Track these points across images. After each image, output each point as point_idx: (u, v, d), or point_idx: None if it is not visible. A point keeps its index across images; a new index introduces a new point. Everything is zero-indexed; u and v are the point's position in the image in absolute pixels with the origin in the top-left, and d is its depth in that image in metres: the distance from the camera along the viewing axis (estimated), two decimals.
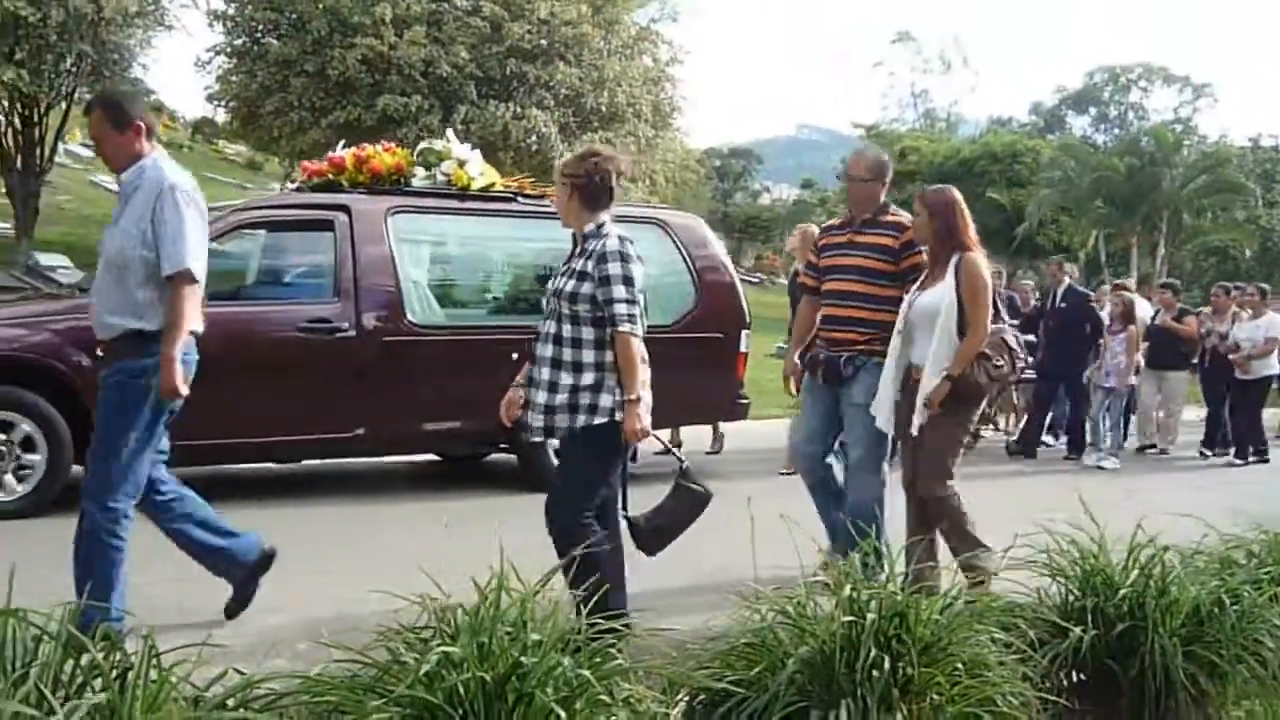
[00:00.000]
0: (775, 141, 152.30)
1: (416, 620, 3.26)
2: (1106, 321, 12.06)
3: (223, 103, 27.60)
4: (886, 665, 3.38)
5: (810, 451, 6.08)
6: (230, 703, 2.76)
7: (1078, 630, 4.05)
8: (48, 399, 7.02)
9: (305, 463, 8.68)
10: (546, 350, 4.51)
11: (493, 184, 8.84)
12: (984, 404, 5.79)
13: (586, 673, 2.99)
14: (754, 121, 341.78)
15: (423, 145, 9.03)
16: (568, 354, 4.45)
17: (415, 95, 24.24)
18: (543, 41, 25.48)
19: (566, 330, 4.47)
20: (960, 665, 3.56)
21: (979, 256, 5.37)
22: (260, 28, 26.23)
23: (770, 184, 79.12)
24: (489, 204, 8.77)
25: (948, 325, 5.25)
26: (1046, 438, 12.75)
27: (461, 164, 8.67)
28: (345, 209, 8.05)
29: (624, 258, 4.41)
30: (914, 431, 5.36)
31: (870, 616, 3.46)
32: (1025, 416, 13.03)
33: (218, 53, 26.94)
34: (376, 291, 7.96)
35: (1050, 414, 12.84)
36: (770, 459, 9.89)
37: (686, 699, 3.47)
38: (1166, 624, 4.08)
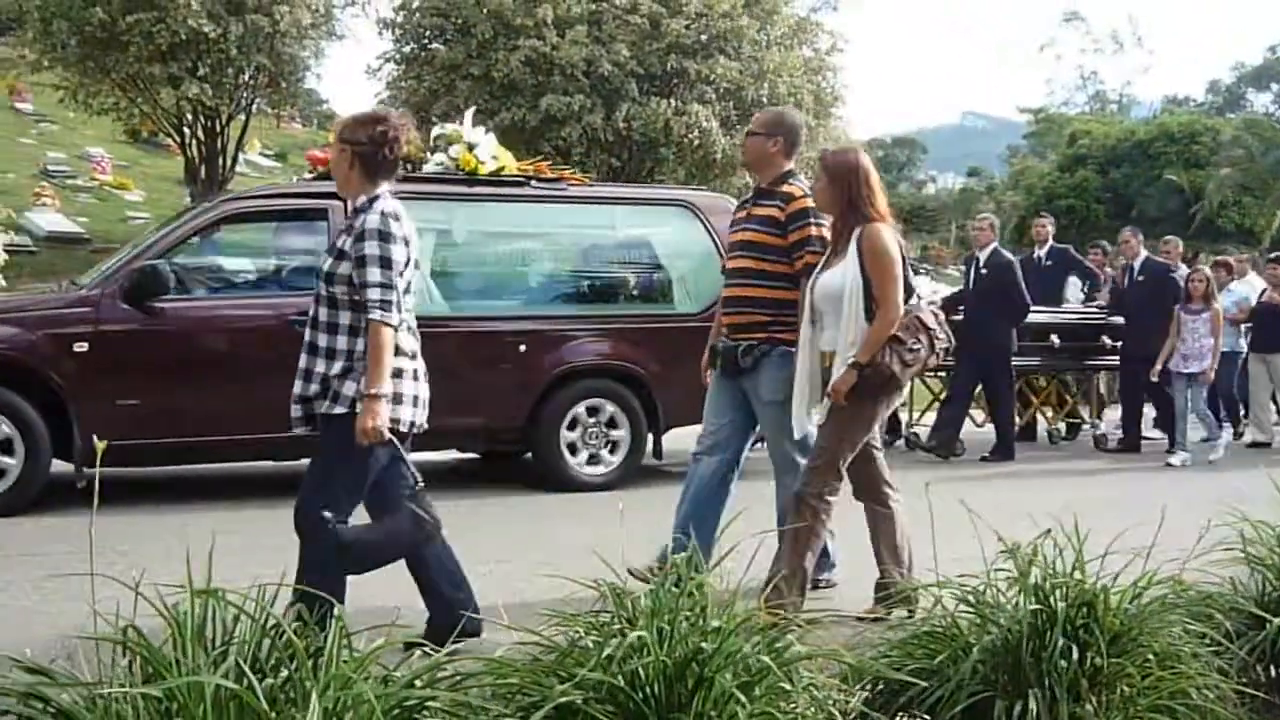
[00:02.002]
0: (940, 130, 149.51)
1: (592, 605, 3.29)
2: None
3: (393, 108, 28.32)
4: (1075, 655, 3.29)
5: (709, 460, 5.32)
6: (418, 683, 2.82)
7: (1277, 621, 3.87)
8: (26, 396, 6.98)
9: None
10: (307, 334, 4.15)
11: (503, 168, 8.57)
12: (897, 399, 5.12)
13: (767, 659, 2.98)
14: (918, 110, 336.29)
15: (436, 131, 8.81)
16: (323, 339, 4.09)
17: (578, 94, 24.47)
18: (702, 36, 25.47)
19: (324, 314, 4.10)
20: (1151, 656, 3.44)
21: (883, 226, 4.78)
22: (427, 34, 26.80)
23: (935, 173, 77.67)
24: (499, 189, 8.53)
25: (854, 307, 4.70)
26: (1153, 432, 11.70)
27: (471, 148, 8.43)
28: (340, 197, 7.86)
29: (383, 236, 4.01)
30: (814, 426, 4.85)
31: (1059, 605, 3.36)
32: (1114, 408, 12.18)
33: (387, 60, 27.64)
34: None
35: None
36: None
37: (867, 687, 3.43)
38: None
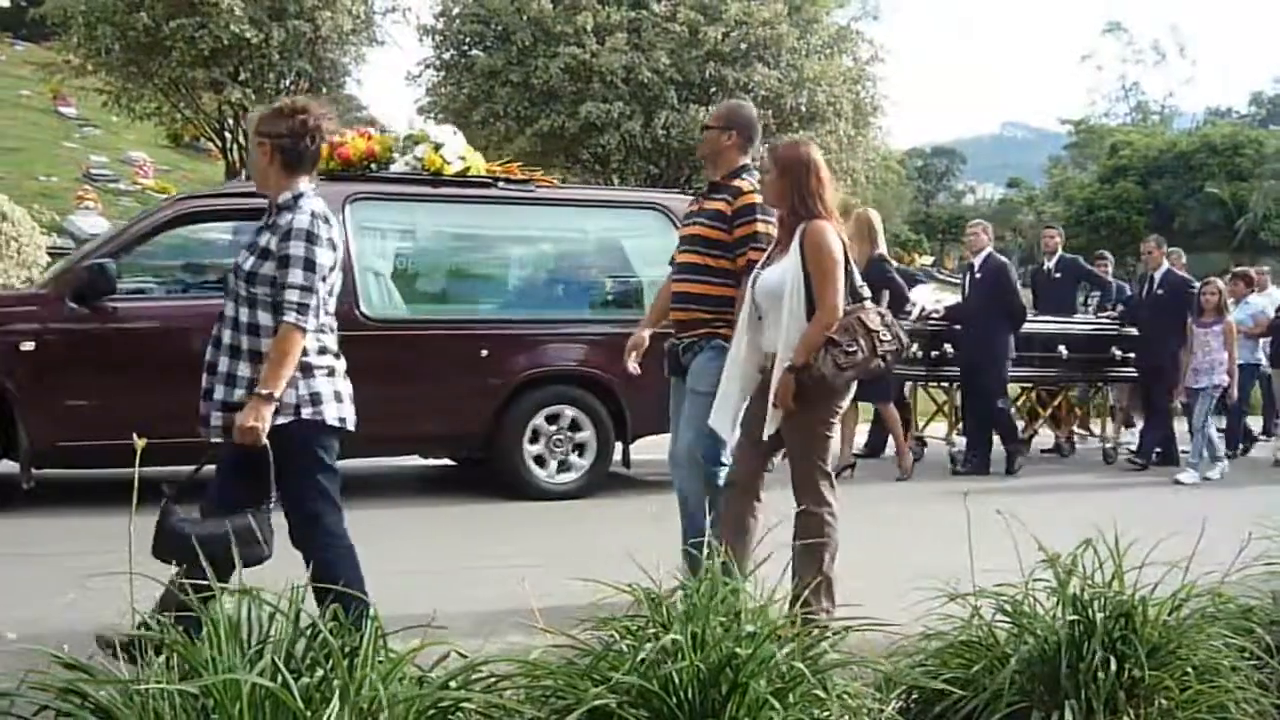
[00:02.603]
0: (979, 140, 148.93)
1: (627, 609, 3.29)
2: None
3: (432, 114, 28.49)
4: (1113, 667, 3.25)
5: (679, 473, 5.25)
6: (452, 684, 2.83)
7: None
8: None
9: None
10: (226, 336, 3.98)
11: (469, 169, 8.38)
12: (847, 396, 4.82)
13: (801, 665, 2.96)
14: (957, 120, 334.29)
15: (405, 131, 8.71)
16: (245, 341, 3.93)
17: (617, 102, 24.52)
18: (741, 44, 25.46)
19: (244, 315, 3.94)
20: (1190, 669, 3.40)
21: (828, 224, 4.58)
22: (467, 40, 26.93)
23: (974, 183, 77.31)
24: (465, 190, 8.35)
25: (794, 307, 4.54)
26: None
27: (437, 147, 8.26)
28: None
29: (310, 238, 3.87)
30: (766, 435, 4.63)
31: (1097, 616, 3.33)
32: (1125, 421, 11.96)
33: (427, 66, 27.78)
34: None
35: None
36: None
37: (902, 696, 3.41)
38: None
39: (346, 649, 2.74)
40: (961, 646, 3.54)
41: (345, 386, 4.10)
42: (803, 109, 25.93)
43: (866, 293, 4.71)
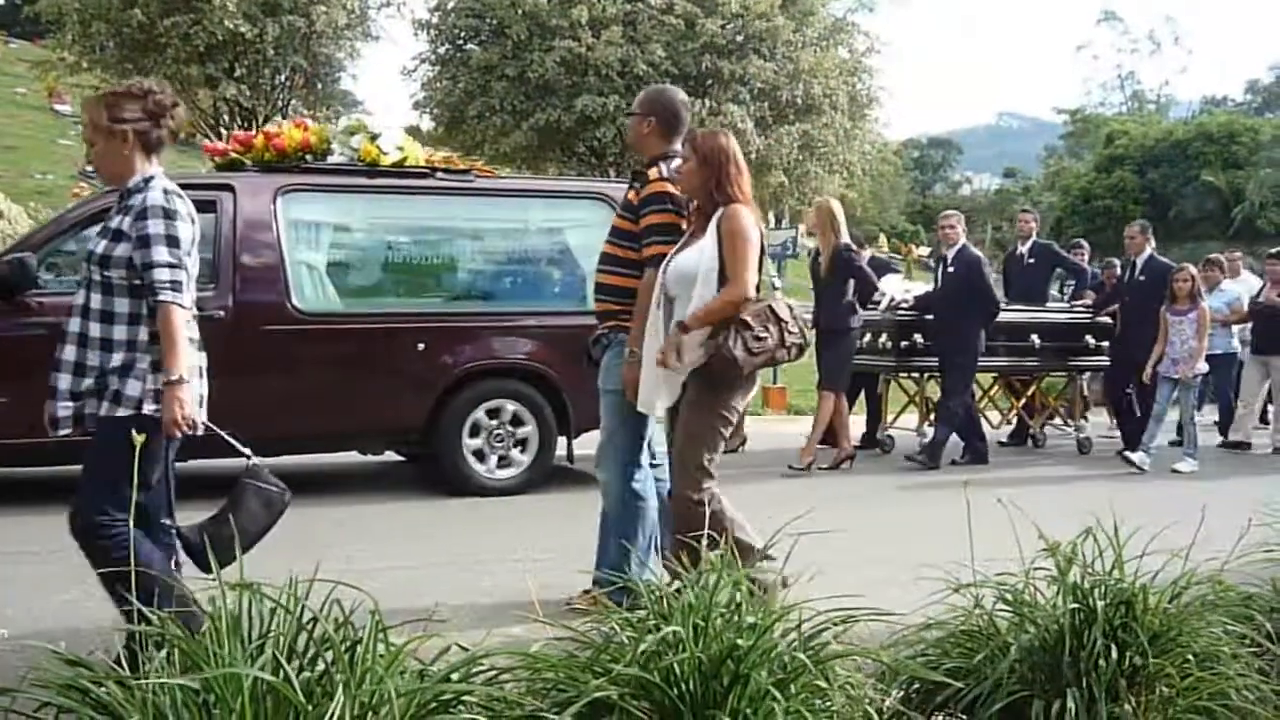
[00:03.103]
0: (975, 130, 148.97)
1: (629, 602, 3.29)
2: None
3: (428, 109, 28.47)
4: (1114, 655, 3.25)
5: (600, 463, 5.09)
6: (454, 676, 2.83)
7: None
8: None
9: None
10: (74, 325, 3.82)
11: (405, 159, 8.16)
12: (749, 390, 4.73)
13: (803, 656, 2.96)
14: (953, 111, 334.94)
15: (342, 122, 8.51)
16: (96, 329, 3.77)
17: (612, 95, 24.51)
18: (738, 37, 25.46)
19: (97, 301, 3.78)
20: (1191, 656, 3.39)
21: (745, 209, 4.58)
22: (462, 35, 26.92)
23: (971, 174, 77.36)
24: (401, 180, 8.12)
25: (705, 290, 4.49)
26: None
27: (374, 138, 8.06)
28: (230, 189, 7.57)
29: (168, 214, 3.73)
30: (659, 410, 4.61)
31: (1098, 604, 3.33)
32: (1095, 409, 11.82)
33: (422, 61, 27.76)
34: (257, 275, 7.48)
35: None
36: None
37: (904, 686, 3.41)
38: None
39: (347, 643, 2.74)
40: (963, 636, 3.54)
41: (198, 386, 3.91)
42: (799, 101, 25.95)
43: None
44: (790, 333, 4.53)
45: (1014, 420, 11.94)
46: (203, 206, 7.32)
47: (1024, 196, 52.25)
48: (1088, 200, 41.09)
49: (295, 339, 7.56)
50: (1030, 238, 11.91)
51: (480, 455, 8.08)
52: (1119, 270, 11.82)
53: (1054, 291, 12.28)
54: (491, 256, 8.78)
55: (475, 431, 8.06)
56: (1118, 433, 11.52)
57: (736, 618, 3.03)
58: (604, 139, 24.95)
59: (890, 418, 11.30)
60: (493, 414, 8.11)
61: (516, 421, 8.16)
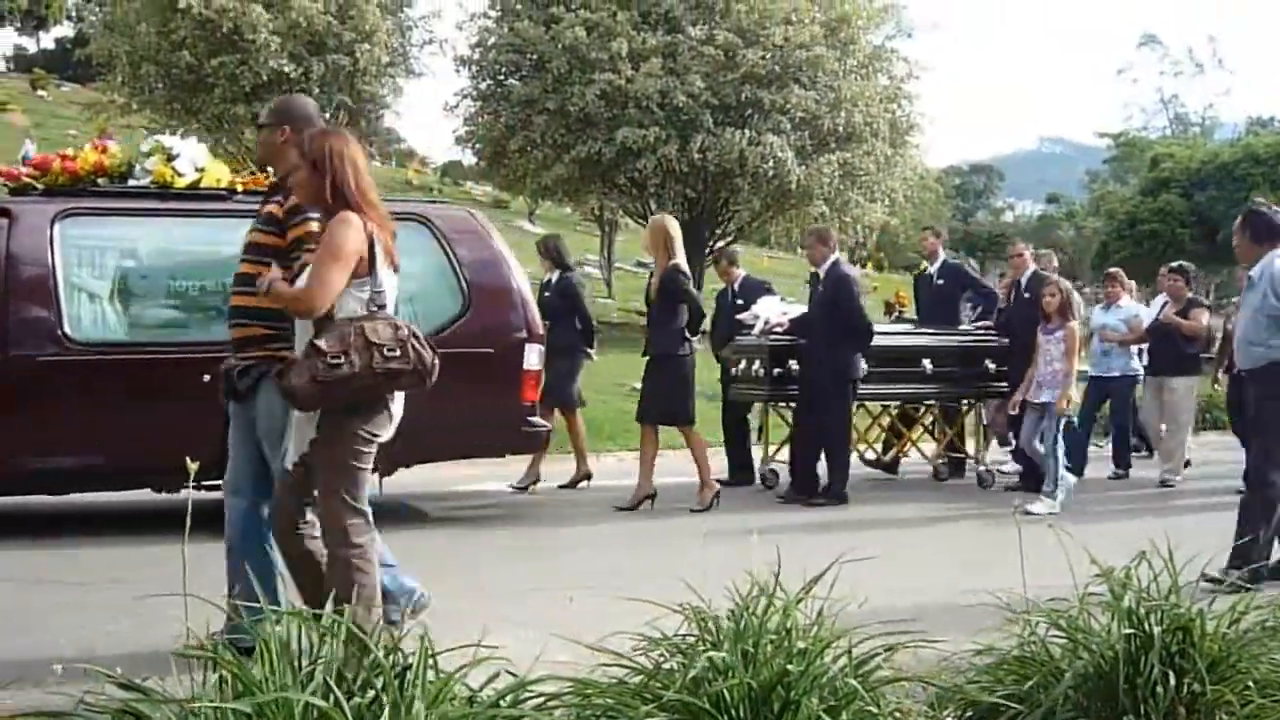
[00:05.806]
0: (1016, 156, 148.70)
1: (677, 629, 3.28)
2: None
3: (470, 144, 28.71)
4: (1171, 682, 3.21)
5: (234, 502, 4.63)
6: (503, 703, 2.82)
7: None
8: None
9: None
10: None
11: (199, 180, 7.63)
12: (376, 416, 4.13)
13: (854, 682, 2.94)
14: (993, 136, 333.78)
15: (145, 144, 8.05)
16: None
17: (653, 127, 24.64)
18: (777, 67, 25.53)
19: None
20: (1252, 683, 3.34)
21: (353, 216, 4.07)
22: (503, 70, 27.18)
23: (1013, 200, 77.05)
24: (194, 204, 7.59)
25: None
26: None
27: (170, 159, 7.61)
28: (5, 213, 7.24)
29: None
30: (291, 459, 4.19)
31: (1154, 630, 3.28)
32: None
33: (464, 97, 28.03)
34: (29, 305, 7.12)
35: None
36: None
37: (955, 712, 3.37)
38: None
39: (397, 668, 2.74)
40: (1015, 662, 3.50)
41: None
42: (840, 129, 25.96)
43: (385, 302, 4.19)
44: (388, 356, 3.99)
45: (907, 452, 10.94)
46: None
47: (1068, 222, 52.01)
48: (1133, 225, 40.75)
49: (70, 371, 7.17)
50: (938, 256, 10.97)
51: None
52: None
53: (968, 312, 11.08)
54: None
55: None
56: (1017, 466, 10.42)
57: (787, 643, 3.01)
58: (644, 170, 25.05)
59: (772, 449, 10.30)
60: None
61: None
